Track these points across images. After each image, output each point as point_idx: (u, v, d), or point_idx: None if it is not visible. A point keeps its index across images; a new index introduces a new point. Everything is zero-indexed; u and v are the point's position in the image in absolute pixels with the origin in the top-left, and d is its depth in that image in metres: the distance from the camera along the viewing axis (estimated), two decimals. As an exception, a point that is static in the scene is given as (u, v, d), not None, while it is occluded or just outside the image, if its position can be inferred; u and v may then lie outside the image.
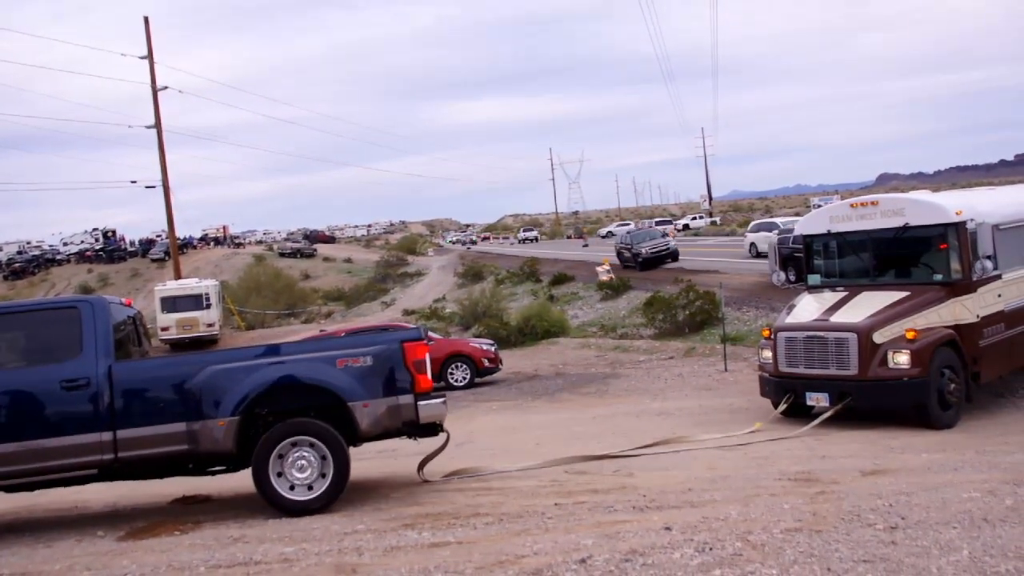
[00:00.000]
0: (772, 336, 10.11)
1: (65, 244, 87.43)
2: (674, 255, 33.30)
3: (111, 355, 6.65)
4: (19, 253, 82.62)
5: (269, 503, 6.53)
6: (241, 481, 8.29)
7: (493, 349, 18.04)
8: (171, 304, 31.39)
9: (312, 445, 6.52)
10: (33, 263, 74.76)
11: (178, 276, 37.12)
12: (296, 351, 6.85)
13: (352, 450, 7.62)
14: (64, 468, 6.48)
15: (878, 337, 9.25)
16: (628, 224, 74.72)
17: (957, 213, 9.82)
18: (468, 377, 17.33)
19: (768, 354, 10.14)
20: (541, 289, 33.18)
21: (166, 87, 35.27)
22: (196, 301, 31.33)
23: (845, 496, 6.03)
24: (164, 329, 31.52)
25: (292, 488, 6.51)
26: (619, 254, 36.18)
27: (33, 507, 8.00)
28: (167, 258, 57.59)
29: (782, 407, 9.92)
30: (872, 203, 10.44)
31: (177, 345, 30.17)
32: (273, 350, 6.89)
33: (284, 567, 5.14)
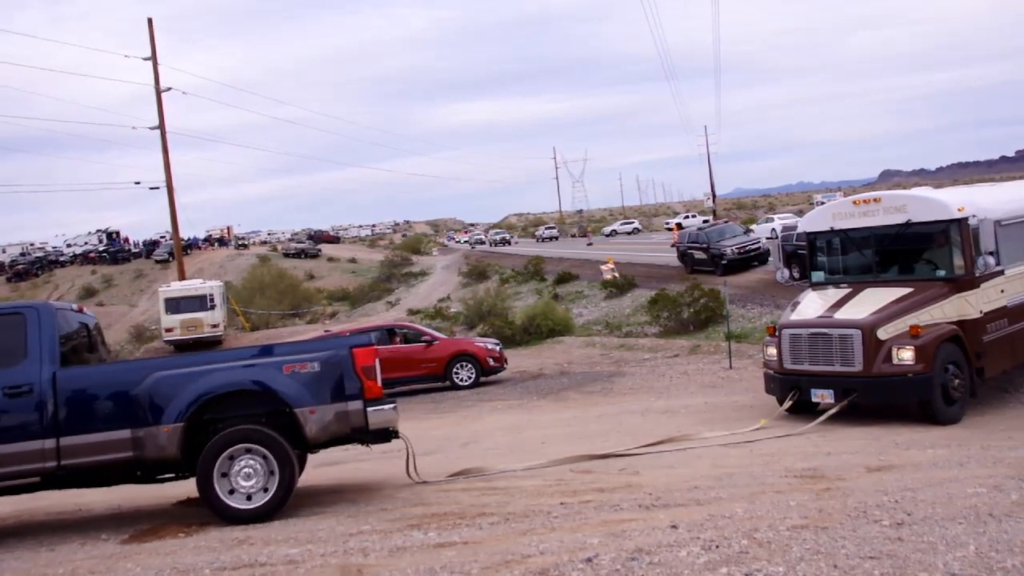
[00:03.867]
0: (776, 333, 10.11)
1: (69, 246, 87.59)
2: (764, 256, 26.96)
3: (56, 362, 6.60)
4: (22, 255, 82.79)
5: (213, 512, 6.46)
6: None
7: (498, 348, 18.04)
8: (175, 305, 31.45)
9: (258, 452, 6.47)
10: (36, 265, 74.93)
11: (182, 277, 37.18)
12: (242, 357, 6.85)
13: (354, 451, 7.62)
14: (6, 476, 6.40)
15: (882, 333, 9.24)
16: (552, 228, 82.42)
17: (959, 209, 9.80)
18: (473, 376, 17.34)
19: (773, 351, 10.13)
20: (545, 288, 33.18)
21: (169, 88, 35.30)
22: (200, 302, 31.39)
23: (851, 493, 6.02)
24: (168, 330, 31.58)
25: (240, 496, 6.45)
26: (685, 255, 29.62)
27: (35, 510, 8.02)
28: (171, 259, 57.67)
29: (787, 404, 9.91)
30: (875, 200, 10.43)
31: (181, 346, 30.25)
32: (221, 356, 6.91)
33: (289, 569, 5.14)
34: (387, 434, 7.04)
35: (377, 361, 6.87)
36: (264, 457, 6.47)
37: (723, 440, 8.94)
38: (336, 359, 6.68)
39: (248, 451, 6.47)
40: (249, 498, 6.46)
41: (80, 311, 7.85)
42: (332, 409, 6.62)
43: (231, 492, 6.46)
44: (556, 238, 77.61)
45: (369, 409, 6.70)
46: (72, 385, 6.56)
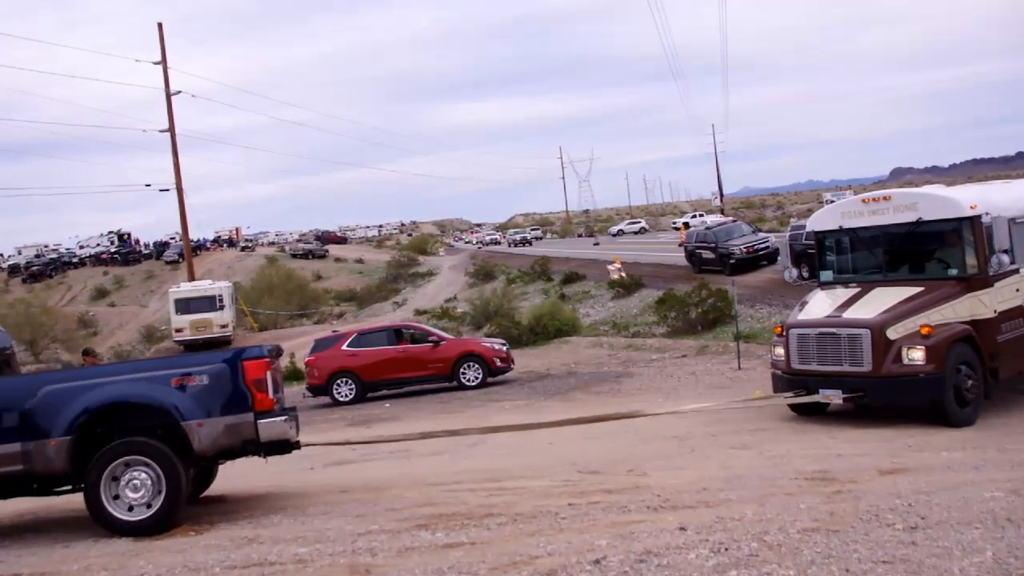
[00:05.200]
0: (784, 333, 10.03)
1: (81, 247, 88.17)
2: (773, 256, 26.26)
3: None
4: (37, 256, 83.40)
5: (99, 524, 6.45)
6: (256, 481, 8.33)
7: (505, 348, 18.01)
8: (185, 306, 31.68)
9: (145, 465, 6.45)
10: (50, 266, 75.47)
11: (192, 278, 37.37)
12: (132, 370, 6.88)
13: (362, 451, 7.60)
14: None
15: (892, 333, 9.15)
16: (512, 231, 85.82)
17: (971, 207, 9.69)
18: (480, 377, 17.31)
19: (781, 351, 10.05)
20: (552, 288, 33.12)
21: (179, 92, 35.43)
22: (209, 302, 31.59)
23: (863, 495, 5.96)
24: (178, 331, 31.81)
25: (126, 508, 6.43)
26: (693, 255, 29.18)
27: (51, 508, 8.06)
28: (181, 260, 57.97)
29: (791, 401, 9.86)
30: (884, 198, 10.33)
31: (191, 346, 30.42)
32: (117, 369, 6.97)
33: (298, 568, 5.14)
34: (285, 446, 7.02)
35: (269, 374, 6.81)
36: (152, 470, 6.46)
37: (711, 408, 8.87)
38: (225, 372, 6.67)
39: (135, 464, 6.46)
40: (137, 509, 6.44)
41: None
42: (221, 422, 6.60)
43: (124, 506, 6.44)
44: (540, 238, 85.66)
45: (260, 422, 6.67)
46: None
